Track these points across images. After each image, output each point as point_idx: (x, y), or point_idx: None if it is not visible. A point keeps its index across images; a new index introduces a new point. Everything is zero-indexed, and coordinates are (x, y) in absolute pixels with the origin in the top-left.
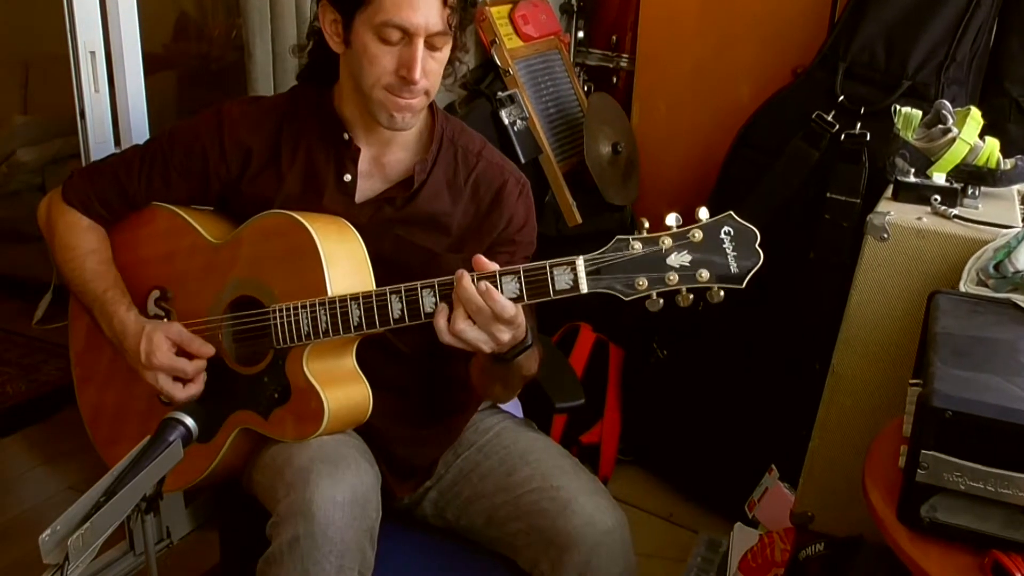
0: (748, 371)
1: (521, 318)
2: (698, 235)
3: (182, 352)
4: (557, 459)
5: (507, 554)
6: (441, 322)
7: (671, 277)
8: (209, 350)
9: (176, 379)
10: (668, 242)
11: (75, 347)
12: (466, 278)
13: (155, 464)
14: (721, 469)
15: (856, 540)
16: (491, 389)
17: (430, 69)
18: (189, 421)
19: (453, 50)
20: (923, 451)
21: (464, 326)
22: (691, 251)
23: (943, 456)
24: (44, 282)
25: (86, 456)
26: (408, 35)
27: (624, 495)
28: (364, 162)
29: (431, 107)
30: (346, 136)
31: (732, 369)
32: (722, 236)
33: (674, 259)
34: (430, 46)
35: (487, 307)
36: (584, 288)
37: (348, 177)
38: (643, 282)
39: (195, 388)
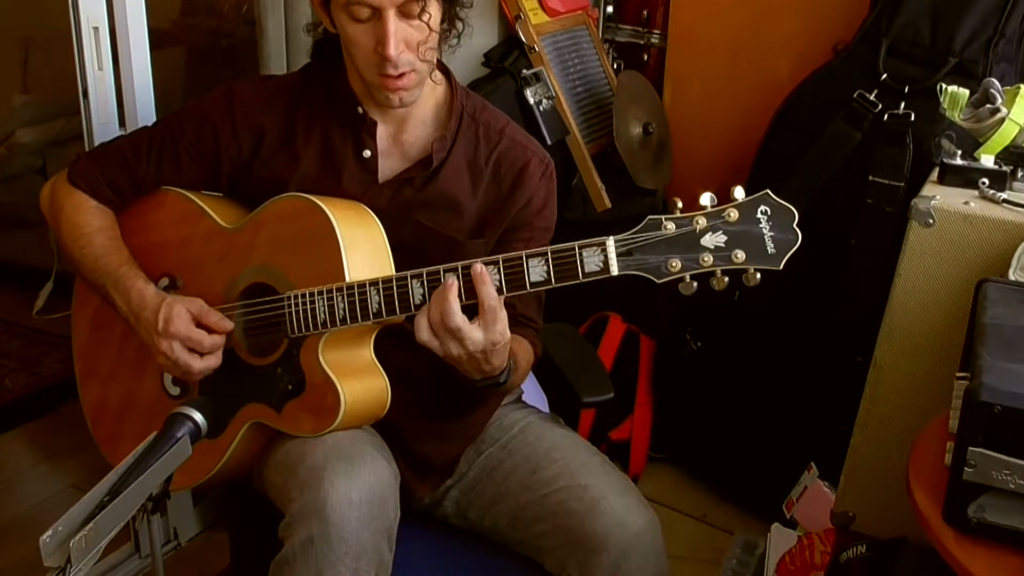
0: (786, 364)
1: (479, 351)
2: (734, 214)
3: (201, 326)
4: (585, 456)
5: (533, 556)
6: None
7: (705, 258)
8: (228, 325)
9: (192, 351)
10: (702, 222)
11: (79, 339)
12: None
13: (162, 461)
14: (758, 467)
15: (899, 542)
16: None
17: (411, 40)
18: (197, 416)
19: (448, 12)
20: (970, 448)
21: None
22: (726, 231)
23: (991, 453)
24: (45, 270)
25: (89, 453)
26: (375, 9)
27: (656, 494)
28: (382, 140)
29: (450, 81)
30: (360, 110)
31: (769, 361)
32: (759, 216)
33: (708, 239)
34: (404, 15)
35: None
36: (615, 270)
37: (367, 153)
38: (676, 263)
39: (213, 361)
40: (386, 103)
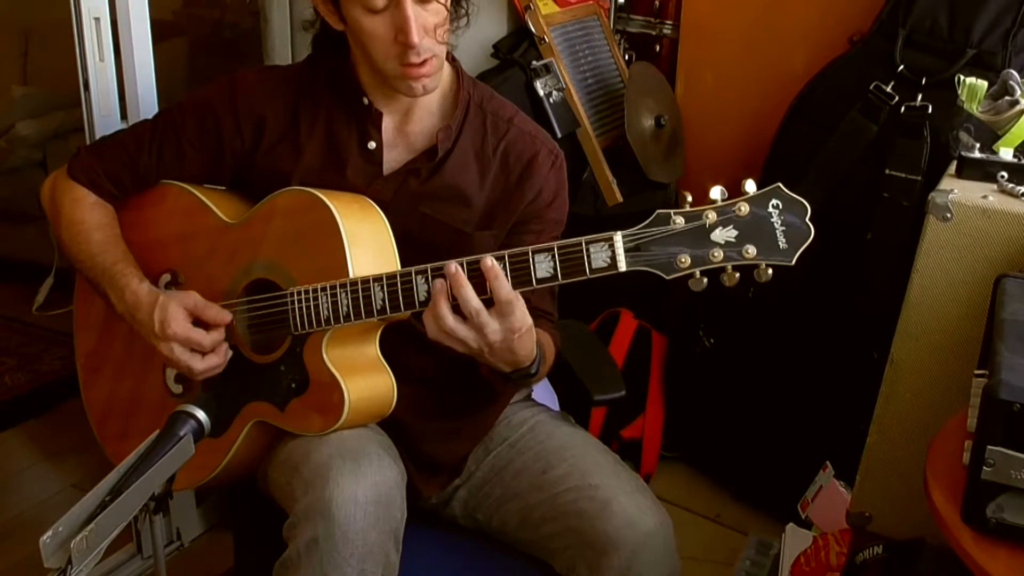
0: (801, 361)
1: (517, 323)
2: (744, 208)
3: (199, 323)
4: (596, 455)
5: (542, 557)
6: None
7: (715, 254)
8: (226, 316)
9: (194, 351)
10: (712, 216)
11: (81, 336)
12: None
13: (164, 461)
14: (772, 466)
15: (917, 542)
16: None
17: (428, 24)
18: (200, 414)
19: None
20: (989, 447)
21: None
22: (737, 226)
23: (1011, 452)
24: (45, 265)
25: (90, 452)
26: None
27: (668, 494)
28: (387, 131)
29: (457, 70)
30: (366, 101)
31: (784, 359)
32: (770, 210)
33: (719, 234)
34: (419, 0)
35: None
36: (622, 266)
37: (372, 145)
38: (686, 259)
39: (215, 360)
40: (409, 92)
